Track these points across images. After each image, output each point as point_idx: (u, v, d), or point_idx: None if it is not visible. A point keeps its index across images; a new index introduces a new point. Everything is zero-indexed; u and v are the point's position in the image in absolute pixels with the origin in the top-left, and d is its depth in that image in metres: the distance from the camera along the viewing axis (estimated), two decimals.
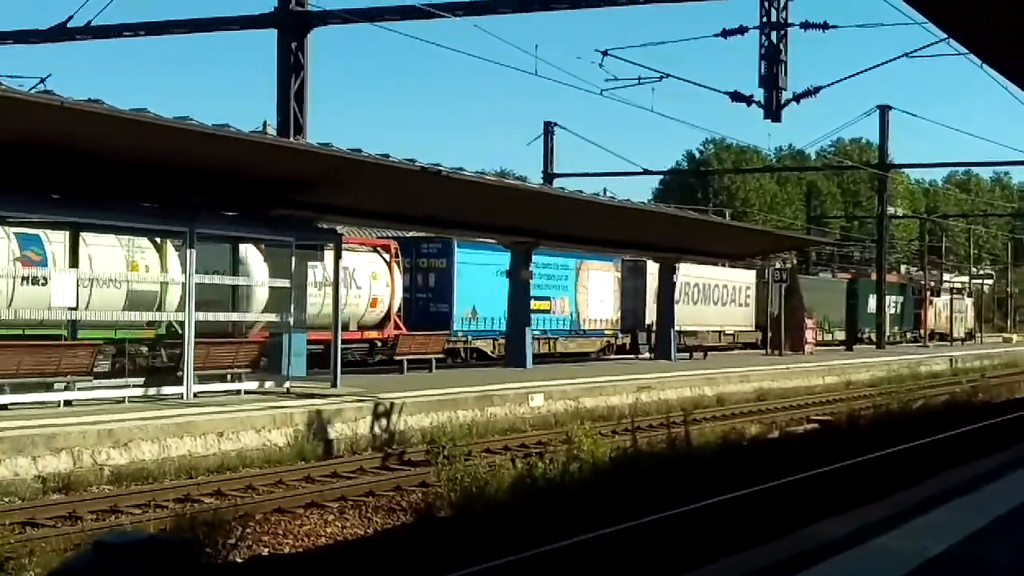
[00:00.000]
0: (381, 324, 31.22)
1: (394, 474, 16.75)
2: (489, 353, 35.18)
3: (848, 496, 11.55)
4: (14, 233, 20.80)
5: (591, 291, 40.06)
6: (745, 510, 11.84)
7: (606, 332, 41.34)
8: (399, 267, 31.91)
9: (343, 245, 31.30)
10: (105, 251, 22.10)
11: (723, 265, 45.73)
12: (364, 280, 30.39)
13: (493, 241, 33.30)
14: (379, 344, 31.27)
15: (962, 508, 8.89)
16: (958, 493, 9.57)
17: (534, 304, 33.98)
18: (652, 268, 39.50)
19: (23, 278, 20.80)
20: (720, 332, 45.70)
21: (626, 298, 40.90)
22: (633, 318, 41.20)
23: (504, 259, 32.57)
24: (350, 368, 26.48)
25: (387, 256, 31.65)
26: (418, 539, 10.90)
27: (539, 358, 34.94)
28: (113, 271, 22.01)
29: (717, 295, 44.97)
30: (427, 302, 34.10)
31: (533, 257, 33.10)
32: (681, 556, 9.28)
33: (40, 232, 21.12)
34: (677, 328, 37.92)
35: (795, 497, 12.67)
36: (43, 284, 20.65)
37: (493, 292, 33.16)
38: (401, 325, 31.38)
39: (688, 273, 41.97)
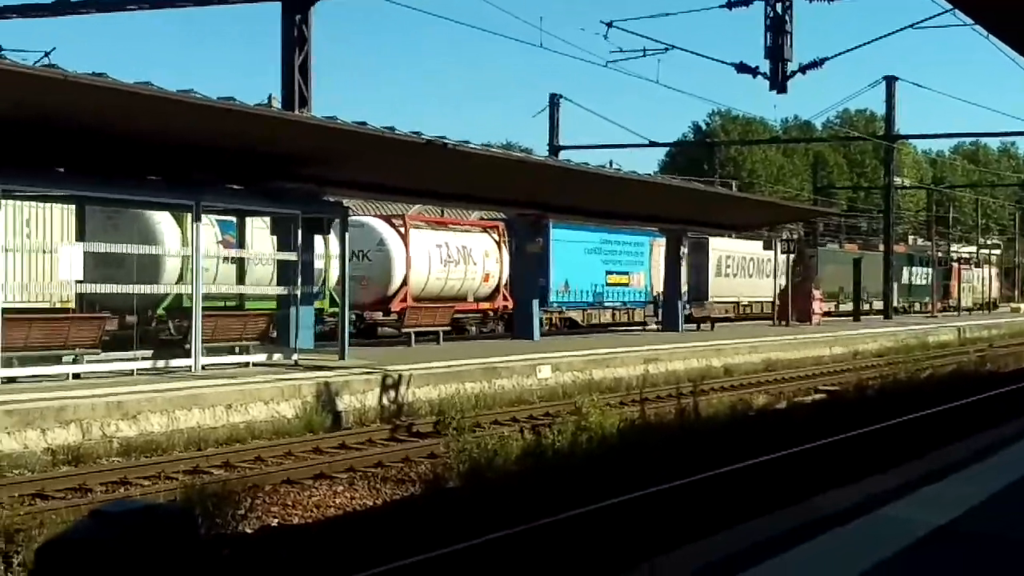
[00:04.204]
0: (492, 296, 34.82)
1: (402, 445, 16.81)
2: (579, 322, 39.14)
3: (855, 466, 11.58)
4: (215, 219, 23.60)
5: (663, 266, 42.35)
6: (753, 480, 11.87)
7: None
8: (507, 246, 34.81)
9: (461, 228, 34.93)
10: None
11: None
12: (479, 257, 34.02)
13: (582, 220, 35.54)
14: (490, 314, 35.00)
15: (969, 478, 8.90)
16: (965, 464, 9.58)
17: (616, 279, 39.53)
18: (714, 243, 44.29)
19: (224, 258, 24.00)
20: (773, 302, 48.14)
21: (690, 272, 42.64)
22: (696, 290, 43.85)
23: (593, 237, 37.44)
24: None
25: (496, 236, 35.09)
26: (427, 509, 10.93)
27: (619, 327, 40.60)
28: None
29: (769, 268, 47.00)
30: None
31: (612, 236, 38.73)
32: (692, 525, 9.31)
33: (233, 219, 23.72)
34: (735, 299, 41.78)
35: (803, 467, 12.70)
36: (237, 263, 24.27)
37: (583, 267, 37.69)
38: (508, 297, 34.39)
39: (743, 249, 46.85)
